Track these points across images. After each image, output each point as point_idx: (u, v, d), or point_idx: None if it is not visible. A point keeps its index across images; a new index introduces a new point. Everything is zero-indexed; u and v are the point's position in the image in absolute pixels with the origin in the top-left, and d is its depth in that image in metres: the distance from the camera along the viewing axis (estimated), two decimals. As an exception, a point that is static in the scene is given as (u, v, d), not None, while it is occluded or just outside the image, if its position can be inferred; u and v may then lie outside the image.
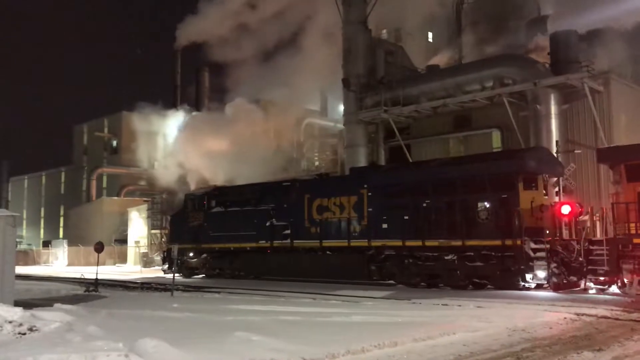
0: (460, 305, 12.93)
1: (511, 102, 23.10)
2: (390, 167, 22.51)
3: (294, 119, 34.48)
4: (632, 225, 14.66)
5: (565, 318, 10.89)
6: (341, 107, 30.68)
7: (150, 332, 8.22)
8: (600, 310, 11.77)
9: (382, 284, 18.88)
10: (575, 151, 21.59)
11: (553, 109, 22.38)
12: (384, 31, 36.10)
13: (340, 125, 30.65)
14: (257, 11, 34.60)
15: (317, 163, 36.72)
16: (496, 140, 25.14)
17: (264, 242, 22.43)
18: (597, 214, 18.11)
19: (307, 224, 21.27)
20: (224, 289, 18.44)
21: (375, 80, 28.24)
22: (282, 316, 11.05)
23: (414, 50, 32.25)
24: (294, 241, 21.57)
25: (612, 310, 11.88)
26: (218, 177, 30.56)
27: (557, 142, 21.52)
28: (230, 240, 23.60)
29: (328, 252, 20.61)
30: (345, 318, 10.80)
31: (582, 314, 11.30)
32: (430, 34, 38.09)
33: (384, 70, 28.55)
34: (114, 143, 54.64)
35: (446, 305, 13.13)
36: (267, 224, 22.36)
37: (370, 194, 19.62)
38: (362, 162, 27.30)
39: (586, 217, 17.23)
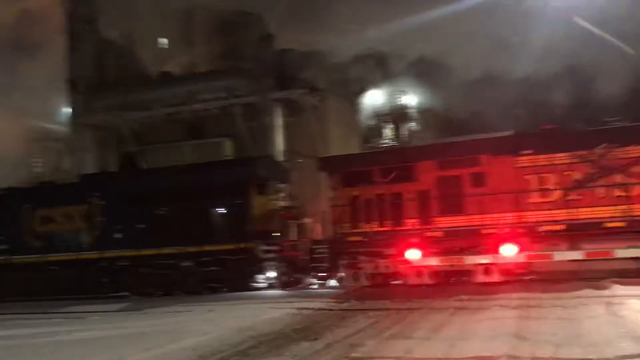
0: (191, 311, 13.10)
1: (241, 113, 24.25)
2: (125, 174, 21.75)
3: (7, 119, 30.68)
4: (347, 225, 16.63)
5: (287, 313, 11.85)
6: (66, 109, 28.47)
7: None
8: (318, 304, 13.07)
9: (115, 297, 18.08)
10: (298, 160, 23.62)
11: (279, 120, 24.18)
12: (114, 32, 34.52)
13: (65, 129, 28.43)
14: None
15: (38, 169, 33.29)
16: (229, 149, 26.04)
17: None
18: (316, 216, 20.08)
19: (28, 237, 19.42)
20: None
21: (105, 83, 26.91)
22: (-8, 342, 9.82)
23: (147, 55, 31.50)
24: (12, 257, 19.44)
25: (327, 302, 13.32)
26: None
27: (283, 151, 23.29)
28: None
29: (54, 267, 18.99)
30: (65, 336, 10.05)
31: (303, 308, 12.42)
32: (164, 40, 37.61)
33: (115, 74, 27.39)
34: None
35: (179, 312, 13.18)
36: None
37: (103, 202, 18.76)
38: (92, 168, 25.72)
39: (309, 220, 19.03)
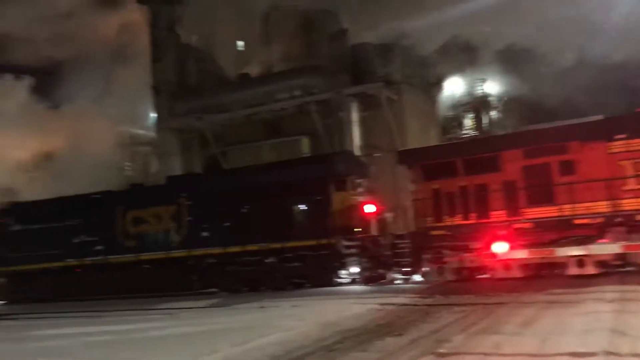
0: (276, 307, 13.30)
1: (318, 110, 24.40)
2: (209, 175, 22.47)
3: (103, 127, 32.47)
4: (430, 219, 16.33)
5: (371, 309, 11.78)
6: (152, 115, 29.78)
7: None
8: (401, 299, 12.92)
9: (203, 293, 18.62)
10: (376, 154, 23.47)
11: (355, 116, 24.13)
12: (194, 38, 35.73)
13: (152, 133, 29.75)
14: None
15: (129, 173, 35.05)
16: (305, 146, 26.31)
17: (71, 260, 20.94)
18: (397, 211, 19.79)
19: (122, 237, 20.36)
20: (25, 315, 16.76)
21: (187, 87, 27.89)
22: (91, 337, 10.38)
23: (225, 58, 32.39)
24: (108, 257, 20.43)
25: (411, 297, 13.13)
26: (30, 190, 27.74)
27: (360, 146, 23.23)
28: (33, 260, 21.52)
29: (147, 266, 19.84)
30: (159, 332, 10.48)
31: (386, 304, 12.30)
32: (241, 43, 38.52)
33: (196, 78, 28.33)
34: None
35: (264, 307, 13.42)
36: (76, 240, 20.89)
37: (189, 202, 19.34)
38: (177, 170, 26.77)
39: (389, 214, 18.83)
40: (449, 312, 10.69)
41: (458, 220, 16.03)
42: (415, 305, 12.15)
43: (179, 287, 19.10)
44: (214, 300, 16.40)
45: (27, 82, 31.30)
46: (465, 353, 7.18)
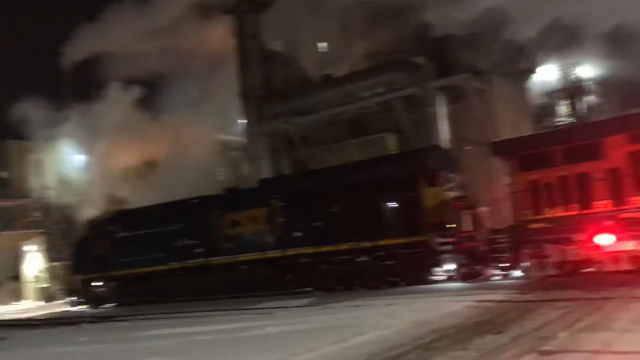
0: (371, 305, 13.30)
1: (403, 106, 24.11)
2: (299, 175, 22.79)
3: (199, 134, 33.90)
4: (528, 212, 15.71)
5: (468, 306, 11.52)
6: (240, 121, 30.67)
7: (57, 369, 7.83)
8: (500, 295, 12.55)
9: (298, 293, 18.92)
10: (466, 148, 22.85)
11: (442, 109, 23.62)
12: (278, 43, 36.46)
13: (241, 139, 30.63)
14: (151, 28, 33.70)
15: (222, 178, 36.33)
16: (392, 143, 26.09)
17: (174, 263, 21.94)
18: (492, 205, 19.10)
19: (219, 240, 21.05)
20: (134, 316, 17.79)
21: (273, 92, 28.50)
22: (196, 337, 10.87)
23: (307, 61, 32.79)
24: (208, 259, 21.22)
25: (509, 294, 12.71)
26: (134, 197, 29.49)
27: (448, 140, 22.71)
28: (139, 265, 22.82)
29: (243, 267, 20.44)
30: (259, 331, 10.79)
31: (484, 301, 11.99)
32: (322, 45, 38.85)
33: (281, 81, 28.90)
34: (2, 174, 51.02)
35: (359, 306, 13.46)
36: (178, 244, 21.88)
37: (281, 203, 19.74)
38: (267, 174, 27.38)
39: (484, 208, 18.22)
40: (551, 308, 10.26)
41: (559, 212, 15.31)
42: (514, 301, 11.75)
43: (275, 286, 19.48)
44: (310, 300, 16.66)
45: (133, 92, 33.01)
46: (572, 351, 6.85)
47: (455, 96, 23.84)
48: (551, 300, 11.18)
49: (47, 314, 23.72)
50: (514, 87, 26.60)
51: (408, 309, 11.77)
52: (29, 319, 21.42)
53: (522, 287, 13.91)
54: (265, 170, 27.72)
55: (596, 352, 6.70)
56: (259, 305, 16.00)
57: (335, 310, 13.21)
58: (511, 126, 24.05)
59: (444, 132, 23.34)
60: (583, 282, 13.30)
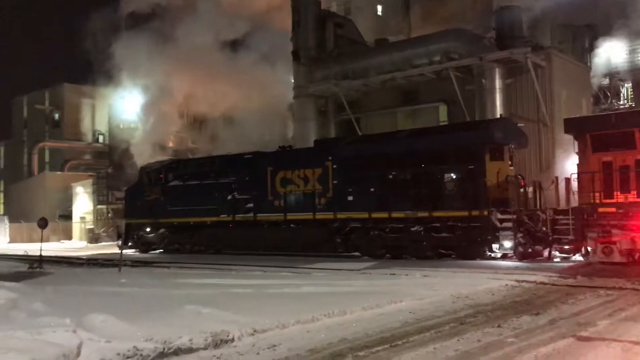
0: (408, 275, 13.27)
1: (457, 77, 23.52)
2: (356, 139, 22.02)
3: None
4: (597, 194, 14.99)
5: (506, 285, 11.37)
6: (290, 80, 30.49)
7: (98, 307, 8.11)
8: (540, 277, 12.32)
9: (345, 256, 18.86)
10: (519, 125, 22.20)
11: (498, 83, 22.93)
12: (334, 3, 35.92)
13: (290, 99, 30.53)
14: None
15: (266, 137, 36.50)
16: (442, 114, 25.62)
17: (225, 216, 22.05)
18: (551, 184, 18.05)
19: (270, 197, 21.00)
20: (174, 263, 18.30)
21: (325, 53, 28.18)
22: (233, 289, 11.10)
23: (363, 24, 32.25)
24: (257, 215, 21.27)
25: (550, 276, 12.46)
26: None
27: (500, 115, 22.09)
28: (189, 214, 23.09)
29: (292, 225, 20.47)
30: (295, 289, 10.93)
31: (523, 281, 11.82)
32: (379, 7, 38.13)
33: (334, 44, 28.53)
34: (56, 116, 52.71)
35: (394, 274, 13.46)
36: (229, 197, 21.96)
37: (335, 166, 19.49)
38: (313, 135, 27.31)
39: (548, 187, 17.29)
40: (593, 295, 10.03)
41: (632, 197, 14.53)
42: (554, 284, 11.53)
43: (323, 248, 19.37)
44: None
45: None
46: (611, 339, 6.70)
47: (512, 70, 23.08)
48: (593, 287, 10.93)
49: (92, 254, 24.63)
50: (575, 65, 25.59)
51: (445, 282, 11.71)
52: (74, 258, 22.30)
53: (564, 270, 13.59)
54: (311, 133, 27.65)
55: (636, 343, 6.54)
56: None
57: (373, 277, 13.26)
58: (569, 105, 23.25)
59: (497, 107, 22.68)
60: (628, 272, 12.92)
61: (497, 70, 22.96)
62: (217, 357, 6.30)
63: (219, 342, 6.77)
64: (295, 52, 28.15)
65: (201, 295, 10.18)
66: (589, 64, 28.61)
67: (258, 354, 6.43)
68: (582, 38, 29.65)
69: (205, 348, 6.57)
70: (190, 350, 6.47)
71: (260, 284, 12.00)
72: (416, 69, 24.84)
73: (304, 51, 28.04)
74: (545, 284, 11.60)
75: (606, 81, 29.91)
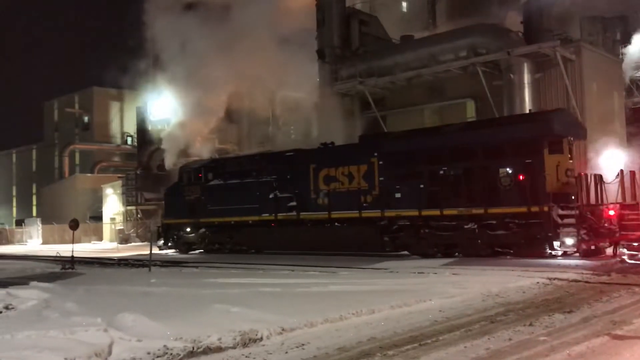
0: (436, 273, 13.14)
1: (485, 72, 23.21)
2: (402, 134, 21.01)
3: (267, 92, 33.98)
4: None
5: (538, 283, 11.18)
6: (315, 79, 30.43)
7: (129, 306, 8.22)
8: (572, 275, 12.09)
9: (394, 256, 18.38)
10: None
11: (526, 77, 22.55)
12: (358, 1, 35.78)
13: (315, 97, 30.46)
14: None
15: (292, 136, 36.52)
16: (470, 110, 25.31)
17: (267, 215, 21.55)
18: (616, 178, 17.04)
19: (313, 195, 20.52)
20: (203, 263, 18.45)
21: (350, 51, 28.09)
22: (261, 288, 11.14)
23: (388, 21, 32.03)
24: (300, 213, 20.78)
25: (582, 274, 12.21)
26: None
27: (530, 110, 21.74)
28: (230, 213, 22.68)
29: (337, 224, 19.96)
30: (323, 288, 10.91)
31: (555, 279, 11.60)
32: (404, 4, 37.85)
33: (359, 41, 28.42)
34: (86, 119, 53.73)
35: (422, 273, 13.34)
36: (271, 196, 21.48)
37: (381, 162, 18.92)
38: (339, 134, 27.14)
39: (613, 180, 16.61)
40: (628, 293, 9.80)
41: None
42: (587, 282, 11.30)
43: (371, 247, 18.91)
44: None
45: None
46: (648, 339, 6.52)
47: (541, 64, 22.69)
48: (628, 285, 10.68)
49: (123, 256, 24.96)
50: (606, 58, 25.04)
51: (474, 280, 11.55)
52: (105, 258, 22.64)
53: (596, 268, 13.30)
54: (337, 131, 27.56)
55: (676, 342, 6.35)
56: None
57: (401, 275, 13.16)
58: (600, 99, 22.76)
59: (526, 102, 22.32)
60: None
61: (525, 64, 22.60)
62: (246, 356, 6.31)
63: (247, 341, 6.79)
64: (320, 51, 28.11)
65: (230, 294, 10.25)
66: (620, 56, 27.98)
67: (287, 352, 6.43)
68: (613, 30, 29.00)
69: (234, 347, 6.60)
70: (219, 349, 6.51)
71: (288, 282, 12.02)
72: (442, 65, 24.59)
73: (328, 49, 27.99)
74: (577, 281, 11.38)
75: (639, 73, 29.21)
